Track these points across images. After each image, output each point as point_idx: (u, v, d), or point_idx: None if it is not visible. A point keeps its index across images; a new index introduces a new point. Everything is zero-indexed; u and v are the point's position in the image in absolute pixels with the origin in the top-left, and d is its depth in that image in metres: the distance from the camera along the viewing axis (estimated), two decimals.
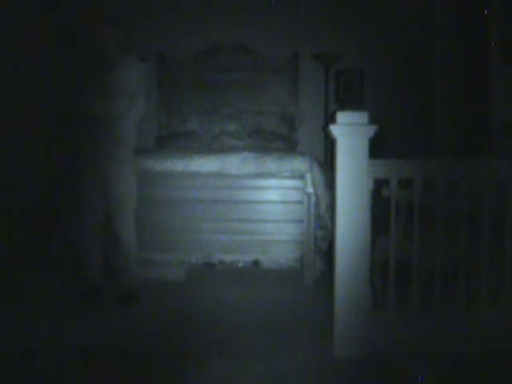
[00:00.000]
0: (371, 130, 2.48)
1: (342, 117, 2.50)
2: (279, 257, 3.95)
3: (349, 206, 2.52)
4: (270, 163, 3.89)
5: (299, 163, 3.86)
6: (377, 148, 2.61)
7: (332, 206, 3.30)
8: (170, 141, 5.40)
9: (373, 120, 2.50)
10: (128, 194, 3.41)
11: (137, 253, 3.48)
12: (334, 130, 2.50)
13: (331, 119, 2.58)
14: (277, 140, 5.36)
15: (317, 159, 4.07)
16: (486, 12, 4.25)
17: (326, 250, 3.77)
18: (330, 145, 5.02)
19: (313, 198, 3.79)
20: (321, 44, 5.50)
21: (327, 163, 5.12)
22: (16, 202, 4.29)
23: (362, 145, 2.51)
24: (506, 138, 3.57)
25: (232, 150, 4.55)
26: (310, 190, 3.80)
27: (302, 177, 3.86)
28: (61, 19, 5.16)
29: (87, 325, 3.02)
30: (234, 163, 3.90)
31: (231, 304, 3.39)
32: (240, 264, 3.97)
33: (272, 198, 3.97)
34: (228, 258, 3.96)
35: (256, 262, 3.96)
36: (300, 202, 3.91)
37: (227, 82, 5.62)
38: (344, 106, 5.53)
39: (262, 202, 3.97)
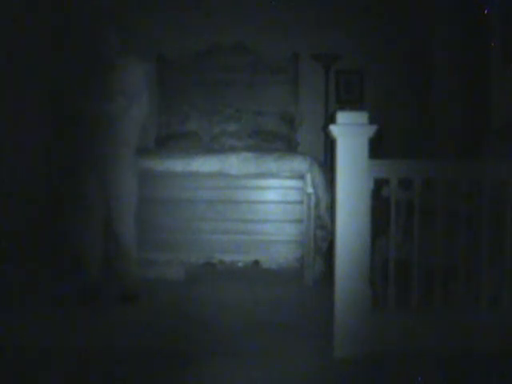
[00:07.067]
0: (371, 130, 2.48)
1: (342, 117, 2.50)
2: (279, 257, 3.95)
3: (349, 205, 2.52)
4: (270, 163, 3.89)
5: (299, 163, 3.86)
6: (377, 148, 2.61)
7: (332, 206, 3.30)
8: (169, 141, 5.40)
9: (373, 120, 2.50)
10: (129, 194, 3.40)
11: (137, 253, 3.48)
12: (334, 129, 2.50)
13: (331, 119, 2.58)
14: (277, 140, 5.35)
15: (317, 159, 4.07)
16: (486, 12, 4.25)
17: (326, 250, 3.77)
18: (330, 145, 5.02)
19: (313, 198, 3.79)
20: (321, 44, 5.49)
21: (327, 163, 5.13)
22: (16, 202, 4.29)
23: (362, 145, 2.51)
24: (507, 139, 3.57)
25: (232, 150, 4.55)
26: (310, 190, 3.80)
27: (301, 177, 3.86)
28: (61, 19, 5.17)
29: (87, 325, 3.02)
30: (234, 163, 3.90)
31: (231, 304, 3.39)
32: (240, 264, 3.97)
33: (272, 198, 3.97)
34: (228, 257, 3.96)
35: (256, 262, 3.96)
36: (300, 202, 3.91)
37: (227, 82, 5.62)
38: (344, 106, 5.53)
39: (262, 202, 3.97)
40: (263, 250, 3.95)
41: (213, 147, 5.13)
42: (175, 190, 3.97)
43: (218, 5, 5.56)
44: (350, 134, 2.50)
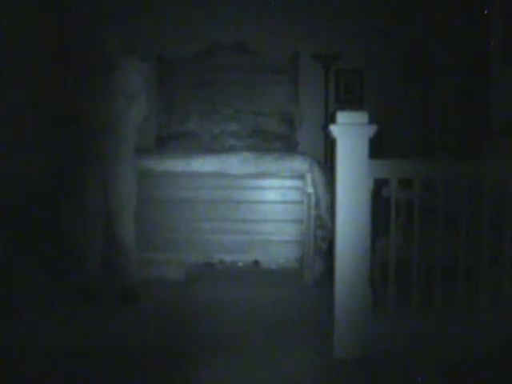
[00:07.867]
0: (371, 130, 2.48)
1: (342, 117, 2.50)
2: (279, 257, 3.95)
3: (349, 205, 2.52)
4: (270, 163, 3.89)
5: (299, 163, 3.86)
6: (376, 148, 2.61)
7: (332, 206, 3.30)
8: (170, 141, 5.41)
9: (373, 120, 2.50)
10: (128, 194, 3.41)
11: (136, 253, 3.48)
12: (334, 129, 2.50)
13: (331, 119, 2.57)
14: (277, 140, 5.36)
15: (317, 159, 4.07)
16: (486, 12, 4.25)
17: (326, 250, 3.77)
18: (330, 145, 5.02)
19: (313, 198, 3.79)
20: (321, 44, 5.50)
21: (327, 163, 5.13)
22: (16, 202, 4.28)
23: (362, 144, 2.51)
24: (506, 138, 3.57)
25: (232, 150, 4.55)
26: (310, 190, 3.80)
27: (301, 177, 3.86)
28: (61, 19, 5.16)
29: (87, 325, 3.02)
30: (234, 163, 3.90)
31: (231, 304, 3.39)
32: (240, 264, 3.97)
33: (272, 197, 3.97)
34: (228, 257, 3.96)
35: (256, 262, 3.96)
36: (300, 202, 3.91)
37: (227, 82, 5.62)
38: (344, 105, 5.53)
39: (261, 202, 3.97)
40: (263, 250, 3.95)
41: (213, 147, 5.13)
42: (175, 190, 3.97)
43: (218, 5, 5.56)
44: (350, 133, 2.50)
